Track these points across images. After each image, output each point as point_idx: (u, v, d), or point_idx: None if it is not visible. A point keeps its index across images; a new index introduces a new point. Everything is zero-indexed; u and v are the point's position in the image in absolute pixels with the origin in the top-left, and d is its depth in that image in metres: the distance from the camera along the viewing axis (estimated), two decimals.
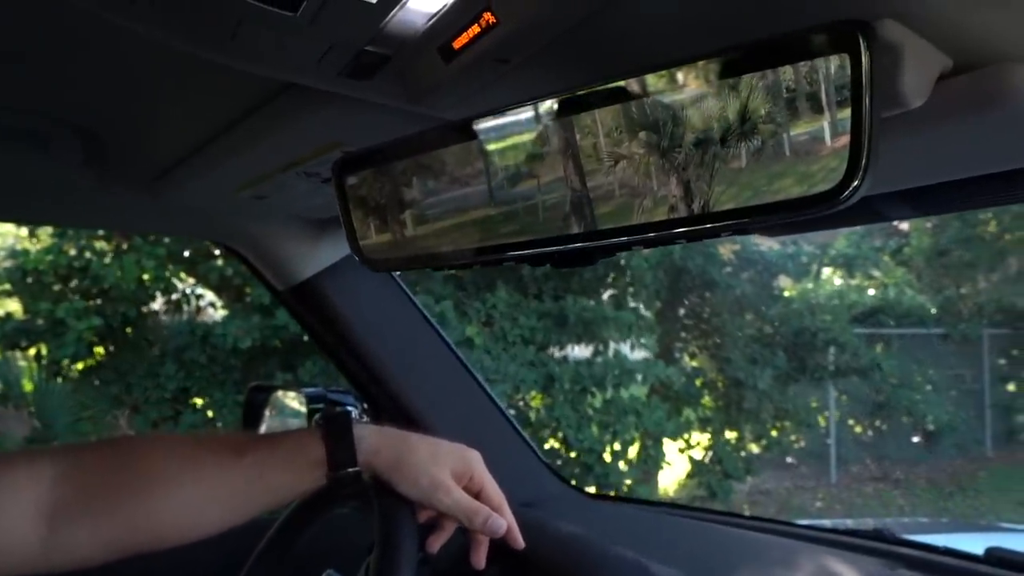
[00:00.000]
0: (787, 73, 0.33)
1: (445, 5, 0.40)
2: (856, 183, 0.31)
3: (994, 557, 0.99)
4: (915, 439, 8.75)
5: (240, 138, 0.78)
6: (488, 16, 0.39)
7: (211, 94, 0.74)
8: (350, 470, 0.79)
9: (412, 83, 0.50)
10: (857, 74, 0.30)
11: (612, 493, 5.42)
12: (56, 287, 5.04)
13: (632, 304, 6.33)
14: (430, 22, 0.42)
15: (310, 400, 1.44)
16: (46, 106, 0.84)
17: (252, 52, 0.50)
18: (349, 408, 1.39)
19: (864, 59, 0.30)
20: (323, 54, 0.48)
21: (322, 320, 1.31)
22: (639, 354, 6.34)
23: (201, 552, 1.36)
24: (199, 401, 5.40)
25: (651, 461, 5.96)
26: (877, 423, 8.72)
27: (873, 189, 0.55)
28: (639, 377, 5.92)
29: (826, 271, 8.83)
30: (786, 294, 7.74)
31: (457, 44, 0.43)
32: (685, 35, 0.39)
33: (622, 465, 5.78)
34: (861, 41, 0.30)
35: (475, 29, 0.40)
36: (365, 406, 1.40)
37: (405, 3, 0.40)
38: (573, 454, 5.60)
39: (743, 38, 0.34)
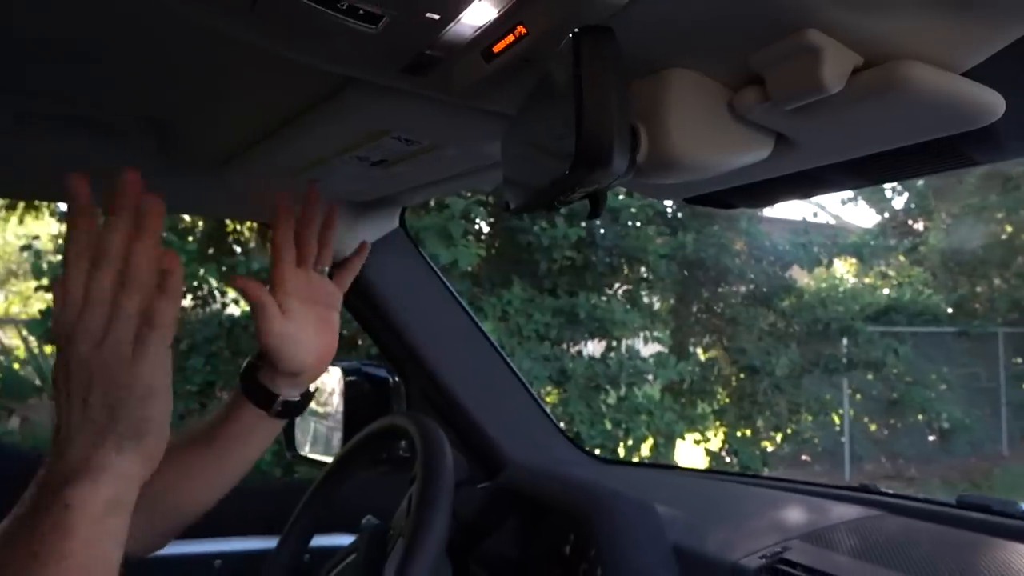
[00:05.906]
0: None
1: (489, 20, 0.54)
2: (607, 156, 0.47)
3: (964, 503, 1.11)
4: (930, 437, 8.76)
5: (302, 127, 0.89)
6: (521, 28, 0.53)
7: (279, 87, 0.84)
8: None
9: (458, 79, 0.63)
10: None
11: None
12: None
13: (645, 299, 6.39)
14: (476, 32, 0.56)
15: (345, 372, 1.57)
16: (125, 100, 0.94)
17: (332, 54, 0.63)
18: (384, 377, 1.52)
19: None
20: (388, 56, 0.62)
21: (359, 295, 1.42)
22: (652, 347, 6.40)
23: (250, 504, 1.51)
24: (225, 395, 5.51)
25: (664, 457, 6.04)
26: (891, 421, 8.74)
27: (808, 163, 0.68)
28: (650, 377, 5.99)
29: (837, 262, 8.77)
30: (799, 285, 7.74)
31: (496, 48, 0.56)
32: (688, 37, 0.52)
33: (635, 460, 5.88)
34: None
35: (511, 37, 0.54)
36: (397, 378, 1.52)
37: (460, 19, 0.53)
38: (587, 448, 5.70)
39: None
